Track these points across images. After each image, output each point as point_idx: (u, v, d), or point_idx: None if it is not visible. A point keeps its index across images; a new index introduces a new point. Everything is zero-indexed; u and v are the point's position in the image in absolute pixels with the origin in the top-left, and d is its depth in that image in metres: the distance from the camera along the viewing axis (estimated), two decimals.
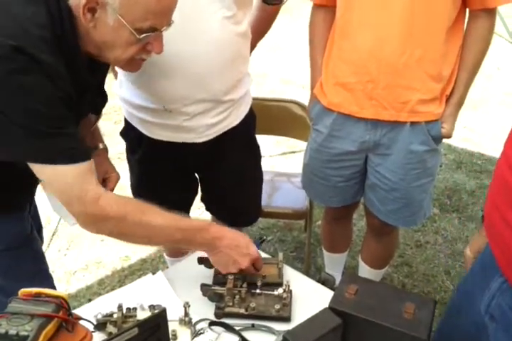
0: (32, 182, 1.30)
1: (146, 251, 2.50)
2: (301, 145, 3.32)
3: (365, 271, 1.99)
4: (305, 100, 1.91)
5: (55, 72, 0.96)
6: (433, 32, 1.42)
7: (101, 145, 1.45)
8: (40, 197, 1.36)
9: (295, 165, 3.15)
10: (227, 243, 1.15)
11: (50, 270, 1.49)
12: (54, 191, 1.05)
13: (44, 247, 1.53)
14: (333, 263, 2.16)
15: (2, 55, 0.90)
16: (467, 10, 1.47)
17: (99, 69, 1.19)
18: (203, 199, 1.79)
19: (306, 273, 2.20)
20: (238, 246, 1.17)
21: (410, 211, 1.69)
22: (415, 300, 1.01)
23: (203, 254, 1.24)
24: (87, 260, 2.45)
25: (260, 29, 1.64)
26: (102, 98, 1.29)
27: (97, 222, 1.06)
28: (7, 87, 0.92)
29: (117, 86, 1.52)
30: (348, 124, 1.59)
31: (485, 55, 1.51)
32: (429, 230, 2.65)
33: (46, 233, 2.22)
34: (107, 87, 1.30)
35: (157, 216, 1.09)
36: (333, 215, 1.98)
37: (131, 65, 1.14)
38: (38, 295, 0.91)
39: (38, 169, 1.02)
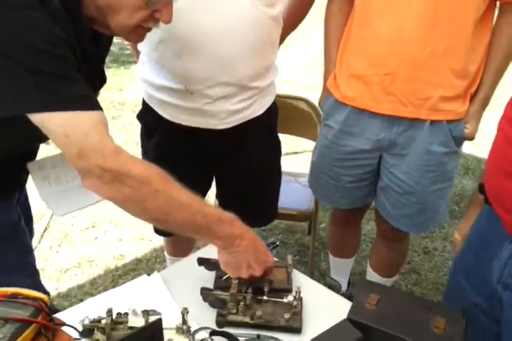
0: (19, 169, 1.21)
1: (141, 250, 2.41)
2: (304, 145, 3.24)
3: (374, 279, 1.88)
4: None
5: (60, 15, 0.89)
6: (459, 24, 1.33)
7: None
8: (32, 189, 1.26)
9: (298, 166, 3.06)
10: (247, 244, 1.03)
11: (41, 267, 1.39)
12: (65, 143, 0.91)
13: (35, 243, 1.44)
14: (339, 269, 2.06)
15: None
16: (497, 3, 1.38)
17: (101, 40, 1.09)
18: (217, 195, 1.72)
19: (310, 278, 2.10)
20: (257, 250, 1.05)
21: (425, 217, 1.59)
22: (444, 313, 0.91)
23: (205, 255, 1.13)
24: (79, 257, 2.35)
25: (293, 20, 1.57)
26: (101, 78, 1.20)
27: (115, 179, 0.91)
28: (11, 24, 0.84)
29: (138, 66, 1.47)
30: (362, 120, 1.50)
31: None
32: (438, 237, 2.56)
33: (37, 229, 2.12)
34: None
35: (181, 191, 0.96)
36: (341, 218, 1.89)
37: (135, 33, 1.04)
38: (15, 296, 0.79)
39: (46, 119, 0.88)
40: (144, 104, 1.51)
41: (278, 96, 2.15)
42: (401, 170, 1.52)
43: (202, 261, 1.15)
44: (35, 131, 0.90)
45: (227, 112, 1.40)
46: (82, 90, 0.92)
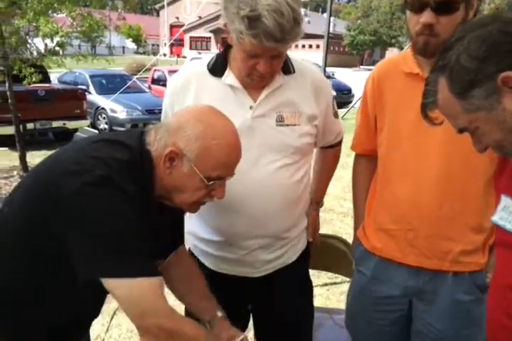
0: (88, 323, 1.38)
1: None
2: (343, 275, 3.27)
3: None
4: (346, 230, 1.93)
5: (136, 200, 1.09)
6: (470, 186, 1.47)
7: (219, 313, 1.41)
8: None
9: (336, 297, 3.08)
10: None
11: None
12: (128, 304, 1.07)
13: None
14: None
15: (92, 182, 1.04)
16: None
17: (165, 209, 1.28)
18: (255, 334, 1.83)
19: None
20: None
21: None
22: None
23: None
24: None
25: (325, 173, 1.83)
26: (174, 242, 1.41)
27: (168, 337, 1.08)
28: (95, 208, 1.04)
29: (187, 218, 1.67)
30: (390, 269, 1.61)
31: None
32: None
33: None
34: None
35: None
36: None
37: (194, 206, 1.27)
38: None
39: (114, 284, 1.06)
40: (190, 253, 1.68)
41: None
42: (431, 316, 1.57)
43: None
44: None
45: (262, 262, 1.58)
46: (147, 260, 1.10)
